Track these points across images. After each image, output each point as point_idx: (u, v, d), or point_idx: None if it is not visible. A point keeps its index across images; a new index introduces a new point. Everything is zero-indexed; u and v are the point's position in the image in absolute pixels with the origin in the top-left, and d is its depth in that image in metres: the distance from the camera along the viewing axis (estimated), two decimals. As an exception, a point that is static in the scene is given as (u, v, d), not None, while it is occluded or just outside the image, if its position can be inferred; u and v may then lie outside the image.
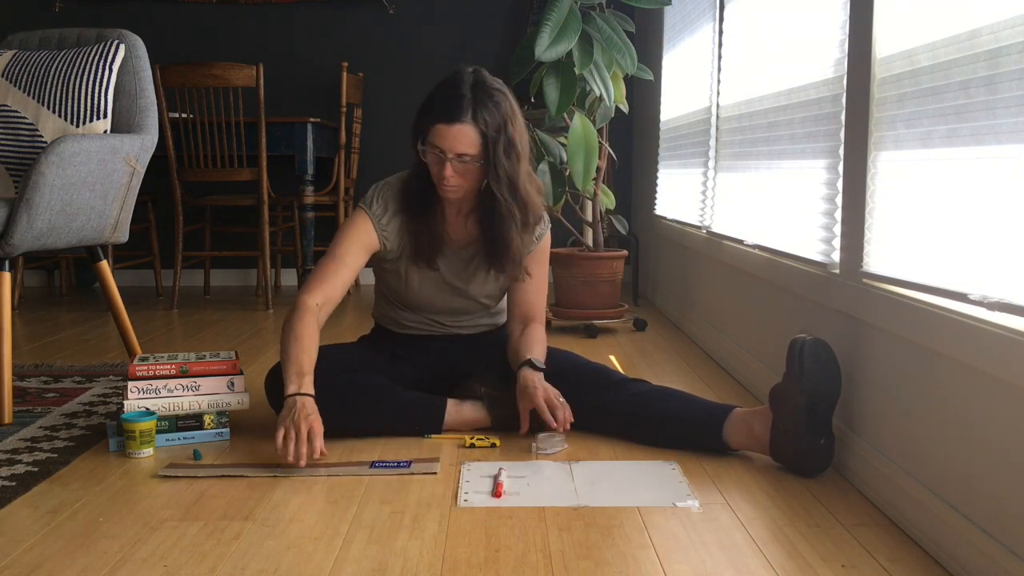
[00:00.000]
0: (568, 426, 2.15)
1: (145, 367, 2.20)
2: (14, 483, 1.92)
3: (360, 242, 2.25)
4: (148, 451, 2.12)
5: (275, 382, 2.21)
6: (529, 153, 2.23)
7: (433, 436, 2.23)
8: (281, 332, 2.16)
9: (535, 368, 2.22)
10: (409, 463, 2.03)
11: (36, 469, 2.01)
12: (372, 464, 2.03)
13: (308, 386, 2.05)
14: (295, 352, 2.09)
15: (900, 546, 1.61)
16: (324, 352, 2.35)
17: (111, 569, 1.51)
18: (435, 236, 2.26)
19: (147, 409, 2.17)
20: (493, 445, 2.17)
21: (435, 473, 1.98)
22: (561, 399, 2.17)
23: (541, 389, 2.16)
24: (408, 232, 2.26)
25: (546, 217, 2.36)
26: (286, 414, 2.00)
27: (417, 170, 2.23)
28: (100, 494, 1.87)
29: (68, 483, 1.94)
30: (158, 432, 2.16)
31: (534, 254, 2.34)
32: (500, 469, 1.98)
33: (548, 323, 3.77)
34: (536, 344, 2.29)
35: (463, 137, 2.10)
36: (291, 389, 2.04)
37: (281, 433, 1.97)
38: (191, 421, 2.21)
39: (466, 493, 1.86)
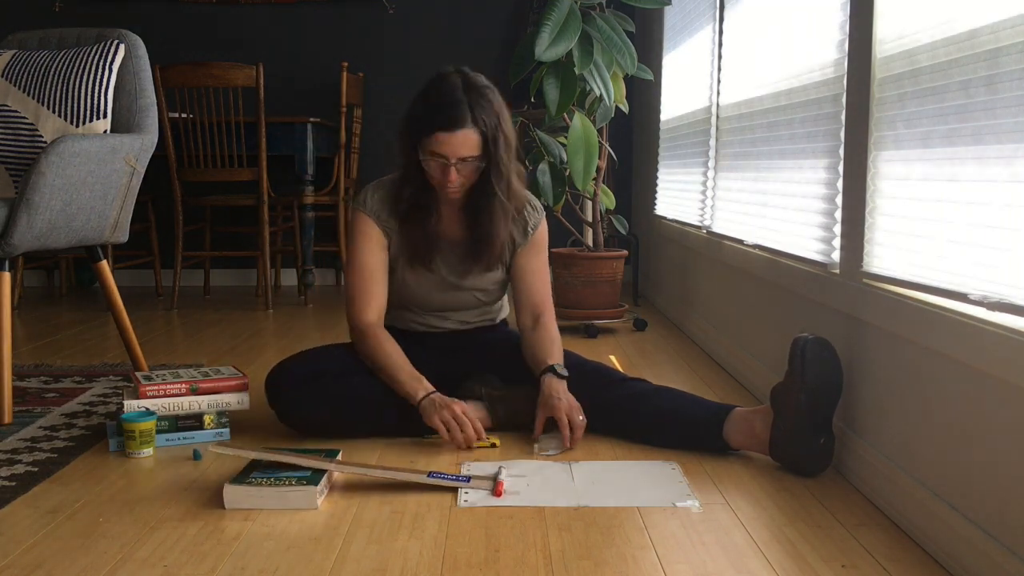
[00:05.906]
0: (574, 444, 2.15)
1: (155, 387, 2.19)
2: (14, 483, 1.92)
3: (373, 240, 2.27)
4: (148, 451, 2.12)
5: (275, 382, 2.22)
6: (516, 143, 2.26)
7: (433, 436, 2.23)
8: (367, 361, 2.24)
9: (558, 376, 2.21)
10: (468, 478, 1.92)
11: (36, 469, 2.01)
12: (429, 474, 1.90)
13: (429, 386, 2.16)
14: (396, 364, 2.19)
15: (900, 546, 1.61)
16: (324, 353, 2.35)
17: (111, 569, 1.51)
18: (430, 237, 2.27)
19: (147, 409, 2.17)
20: (493, 445, 2.17)
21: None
22: (581, 416, 2.15)
23: (565, 403, 2.15)
24: (403, 236, 2.28)
25: (539, 205, 2.37)
26: (433, 412, 2.11)
27: (408, 176, 2.23)
28: (100, 494, 1.87)
29: (68, 483, 1.94)
30: (158, 432, 2.16)
31: (532, 245, 2.34)
32: (500, 469, 1.98)
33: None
34: (554, 345, 2.28)
35: (466, 141, 2.12)
36: (420, 395, 2.14)
37: (443, 428, 2.10)
38: (191, 421, 2.21)
39: (466, 493, 1.86)
